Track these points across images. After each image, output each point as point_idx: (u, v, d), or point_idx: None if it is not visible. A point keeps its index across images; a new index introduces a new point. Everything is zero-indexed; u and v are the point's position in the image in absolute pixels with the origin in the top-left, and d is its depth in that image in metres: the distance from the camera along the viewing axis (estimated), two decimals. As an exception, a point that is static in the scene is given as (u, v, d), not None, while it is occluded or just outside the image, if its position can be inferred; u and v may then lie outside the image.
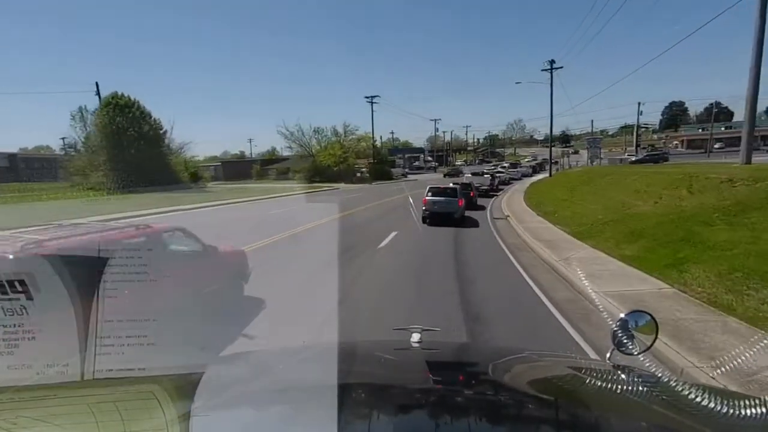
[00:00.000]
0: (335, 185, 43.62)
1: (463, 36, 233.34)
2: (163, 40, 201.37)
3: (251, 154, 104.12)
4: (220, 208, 21.65)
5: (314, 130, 56.57)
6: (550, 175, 42.57)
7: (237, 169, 74.63)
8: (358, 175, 56.59)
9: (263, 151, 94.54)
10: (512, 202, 24.77)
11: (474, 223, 16.25)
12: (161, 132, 32.27)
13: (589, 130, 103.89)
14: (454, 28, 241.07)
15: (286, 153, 71.73)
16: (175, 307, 4.16)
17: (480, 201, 24.19)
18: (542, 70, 41.93)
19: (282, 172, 63.60)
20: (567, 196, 20.80)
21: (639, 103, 65.24)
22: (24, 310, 1.79)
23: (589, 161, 55.79)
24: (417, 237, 13.20)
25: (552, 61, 41.60)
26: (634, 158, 51.77)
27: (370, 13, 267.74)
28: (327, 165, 52.02)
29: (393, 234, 13.27)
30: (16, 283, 1.84)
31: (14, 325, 1.68)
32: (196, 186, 32.42)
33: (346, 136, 56.17)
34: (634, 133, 75.09)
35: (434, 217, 15.66)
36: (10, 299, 1.78)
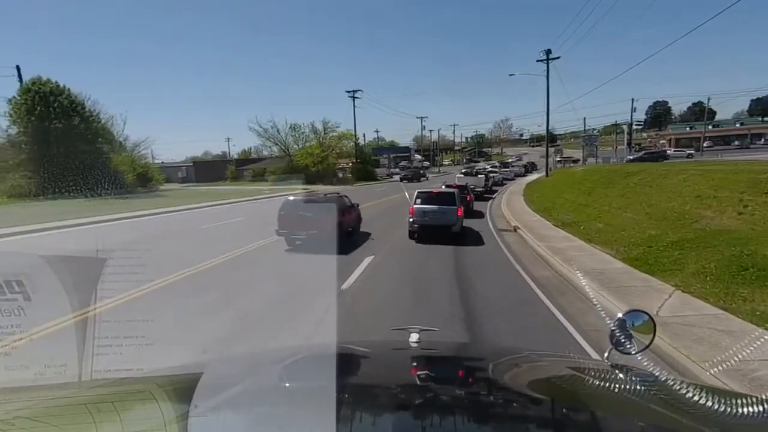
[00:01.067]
0: (312, 187, 39.33)
1: (453, 33, 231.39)
2: (140, 39, 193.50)
3: (229, 153, 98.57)
4: (142, 221, 16.29)
5: (290, 127, 51.93)
6: (547, 174, 39.10)
7: (211, 169, 69.50)
8: (340, 175, 52.50)
9: (248, 151, 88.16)
10: (514, 206, 21.01)
11: (476, 239, 12.31)
12: (98, 125, 27.29)
13: (573, 130, 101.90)
14: (443, 24, 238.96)
15: (267, 153, 66.57)
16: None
17: (475, 205, 20.45)
18: (538, 60, 38.40)
19: (258, 173, 58.92)
20: (585, 200, 17.08)
21: (633, 100, 62.76)
22: (22, 311, 1.80)
23: (582, 160, 52.93)
24: (401, 265, 9.17)
25: (548, 51, 38.15)
26: (632, 156, 48.89)
27: (358, 10, 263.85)
28: (305, 165, 47.63)
29: (368, 260, 9.25)
30: (14, 284, 1.85)
31: (12, 326, 1.74)
32: (145, 189, 27.73)
33: (325, 133, 51.75)
34: (625, 132, 72.72)
35: (425, 232, 11.68)
36: (8, 300, 1.80)
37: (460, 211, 11.78)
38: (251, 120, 73.17)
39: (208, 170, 69.37)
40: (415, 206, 11.85)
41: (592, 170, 26.49)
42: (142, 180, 28.86)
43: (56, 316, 3.76)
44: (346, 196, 12.63)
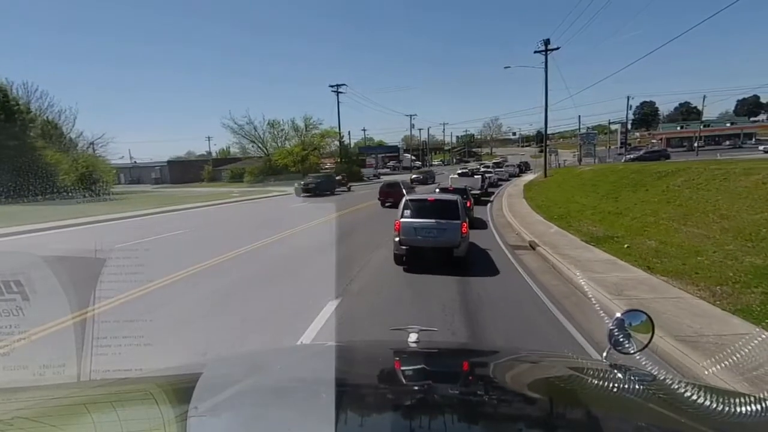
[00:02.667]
0: (290, 189, 35.59)
1: (445, 31, 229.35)
2: (120, 38, 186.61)
3: (210, 153, 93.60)
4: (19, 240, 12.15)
5: (269, 124, 48.05)
6: (546, 175, 36.16)
7: (187, 170, 65.24)
8: (324, 176, 48.94)
9: (234, 151, 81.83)
10: (519, 212, 17.82)
11: (487, 264, 8.98)
12: (27, 116, 23.00)
13: (560, 130, 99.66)
14: (434, 22, 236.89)
15: (250, 151, 61.67)
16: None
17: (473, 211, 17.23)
18: (535, 51, 35.37)
19: (237, 174, 54.93)
20: (611, 206, 13.91)
21: (628, 98, 60.48)
22: (20, 311, 1.80)
23: (579, 159, 50.51)
24: (377, 322, 5.73)
25: (547, 41, 35.16)
26: (633, 156, 46.49)
27: (348, 10, 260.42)
28: (284, 165, 43.90)
29: (328, 310, 5.84)
30: (12, 284, 1.84)
31: (10, 326, 1.76)
32: (89, 193, 23.59)
33: (307, 131, 48.03)
34: (619, 131, 71.04)
35: (417, 257, 8.33)
36: (6, 300, 1.81)
37: (465, 227, 8.41)
38: (225, 116, 68.45)
39: (184, 170, 65.11)
40: (402, 220, 8.46)
41: (604, 170, 23.52)
42: (86, 181, 24.64)
43: (55, 316, 3.72)
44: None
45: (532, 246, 11.00)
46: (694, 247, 8.07)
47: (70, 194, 21.14)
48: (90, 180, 24.62)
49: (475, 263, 8.87)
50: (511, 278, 7.90)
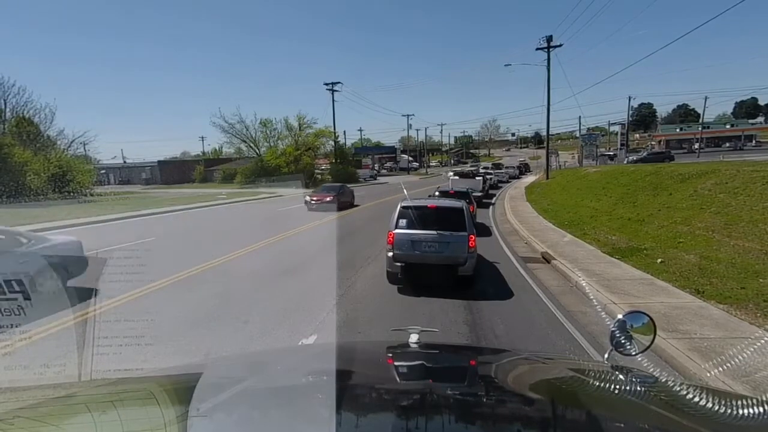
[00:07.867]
0: (281, 191, 34.09)
1: (442, 31, 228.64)
2: (109, 37, 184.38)
3: (203, 152, 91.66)
4: None
5: (261, 123, 46.38)
6: (548, 176, 34.83)
7: (178, 170, 63.51)
8: (318, 177, 47.40)
9: (228, 151, 78.57)
10: (524, 217, 16.43)
11: (497, 283, 7.53)
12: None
13: (557, 131, 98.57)
14: (432, 22, 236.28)
15: (245, 152, 59.24)
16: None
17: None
18: (537, 48, 34.08)
19: (229, 174, 53.24)
20: (630, 212, 12.47)
21: (630, 98, 59.32)
22: (21, 311, 1.77)
23: (579, 161, 49.32)
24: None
25: (549, 38, 33.87)
26: (635, 157, 45.32)
27: (345, 7, 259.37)
28: (276, 166, 42.31)
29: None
30: (14, 283, 1.83)
31: (12, 325, 1.74)
32: (61, 194, 21.80)
33: (301, 130, 46.45)
34: (619, 132, 69.93)
35: (414, 275, 6.90)
36: (7, 299, 1.78)
37: (473, 240, 6.95)
38: (215, 114, 66.25)
39: (176, 171, 63.39)
40: (396, 231, 7.00)
41: (612, 171, 22.16)
42: (58, 182, 22.74)
43: (56, 316, 3.66)
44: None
45: (546, 258, 9.58)
46: (750, 265, 6.66)
47: (36, 196, 19.35)
48: (62, 181, 22.85)
49: (484, 281, 7.44)
50: (529, 304, 6.45)
